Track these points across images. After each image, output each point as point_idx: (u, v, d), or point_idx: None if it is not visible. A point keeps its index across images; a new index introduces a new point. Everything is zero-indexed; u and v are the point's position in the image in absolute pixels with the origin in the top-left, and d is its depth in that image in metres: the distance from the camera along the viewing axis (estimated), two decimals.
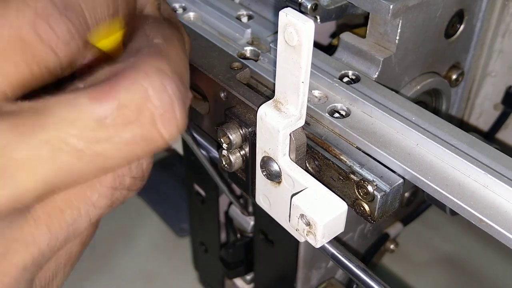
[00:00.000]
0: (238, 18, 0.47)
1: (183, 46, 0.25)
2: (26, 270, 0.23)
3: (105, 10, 0.24)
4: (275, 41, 0.43)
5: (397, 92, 0.42)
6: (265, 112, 0.34)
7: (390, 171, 0.34)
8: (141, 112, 0.20)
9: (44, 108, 0.20)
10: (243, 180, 0.41)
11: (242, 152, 0.38)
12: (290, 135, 0.34)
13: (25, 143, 0.19)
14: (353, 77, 0.39)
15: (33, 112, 0.19)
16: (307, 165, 0.37)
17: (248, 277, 0.66)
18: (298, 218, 0.33)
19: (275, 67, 0.32)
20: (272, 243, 0.55)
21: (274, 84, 0.33)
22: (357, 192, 0.34)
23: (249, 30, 0.45)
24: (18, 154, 0.19)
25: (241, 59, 0.42)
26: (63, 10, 0.21)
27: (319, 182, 0.34)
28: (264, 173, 0.37)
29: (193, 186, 0.67)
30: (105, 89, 0.20)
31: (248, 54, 0.43)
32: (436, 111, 0.49)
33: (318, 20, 0.42)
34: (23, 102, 0.20)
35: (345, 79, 0.39)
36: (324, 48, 0.52)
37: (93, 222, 0.25)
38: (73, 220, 0.23)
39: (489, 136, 0.55)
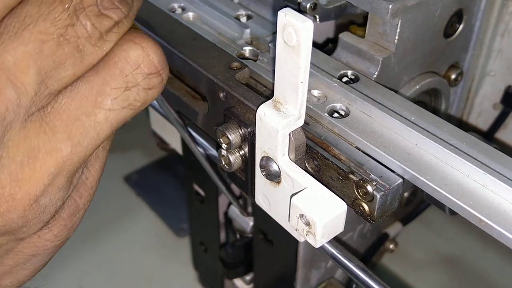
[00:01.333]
0: (237, 18, 0.47)
1: None
2: (55, 174, 0.25)
3: None
4: (274, 41, 0.43)
5: (396, 92, 0.42)
6: (264, 112, 0.34)
7: (389, 171, 0.34)
8: None
9: (20, 13, 0.23)
10: (243, 180, 0.41)
11: (242, 152, 0.38)
12: (289, 135, 0.34)
13: (14, 44, 0.22)
14: (352, 77, 0.39)
15: (12, 19, 0.23)
16: (307, 165, 0.37)
17: (248, 277, 0.66)
18: (298, 218, 0.33)
19: (274, 67, 0.32)
20: (271, 243, 0.55)
21: (273, 84, 0.33)
22: (356, 192, 0.34)
23: (248, 30, 0.45)
24: (9, 57, 0.22)
25: (240, 59, 0.42)
26: None
27: (318, 182, 0.34)
28: (263, 173, 0.37)
29: (193, 186, 0.67)
30: None
31: (247, 54, 0.43)
32: (435, 111, 0.49)
33: (317, 20, 0.42)
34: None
35: (344, 79, 0.39)
36: (323, 47, 0.52)
37: (118, 125, 0.26)
38: (93, 126, 0.25)
39: (488, 136, 0.55)
